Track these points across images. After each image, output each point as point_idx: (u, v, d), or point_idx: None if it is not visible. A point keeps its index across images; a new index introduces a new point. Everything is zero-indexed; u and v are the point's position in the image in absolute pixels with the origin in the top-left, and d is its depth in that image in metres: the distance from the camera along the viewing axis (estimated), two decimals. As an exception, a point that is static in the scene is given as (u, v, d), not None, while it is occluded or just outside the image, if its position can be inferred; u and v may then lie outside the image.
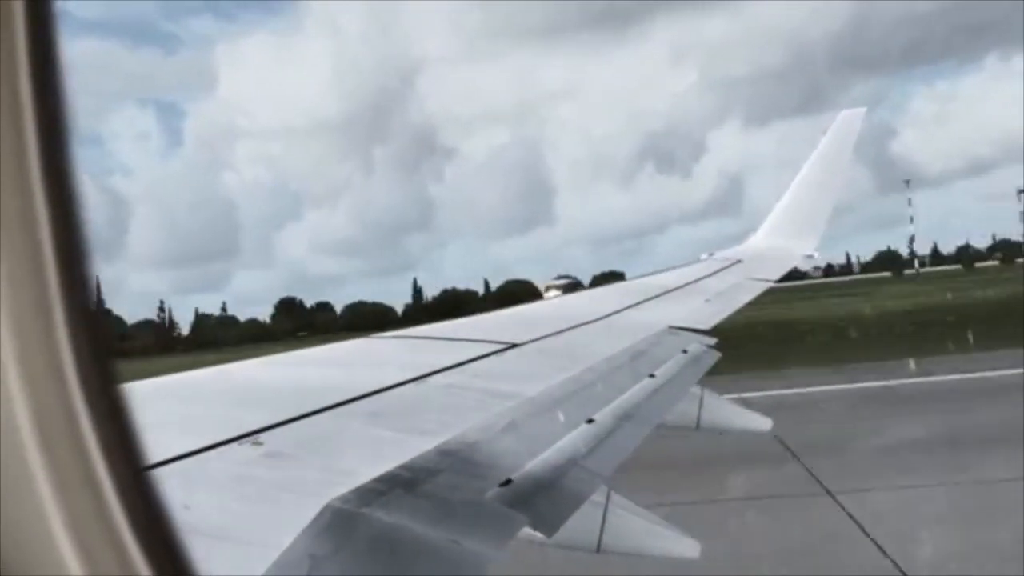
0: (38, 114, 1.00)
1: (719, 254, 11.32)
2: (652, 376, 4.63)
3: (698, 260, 10.93)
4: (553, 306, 7.13)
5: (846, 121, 12.87)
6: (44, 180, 1.00)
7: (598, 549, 3.86)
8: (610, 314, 6.40)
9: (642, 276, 9.78)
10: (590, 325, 5.87)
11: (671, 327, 6.21)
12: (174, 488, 2.27)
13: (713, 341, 6.13)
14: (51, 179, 1.01)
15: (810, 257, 11.64)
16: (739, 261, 10.49)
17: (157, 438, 2.61)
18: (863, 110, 13.34)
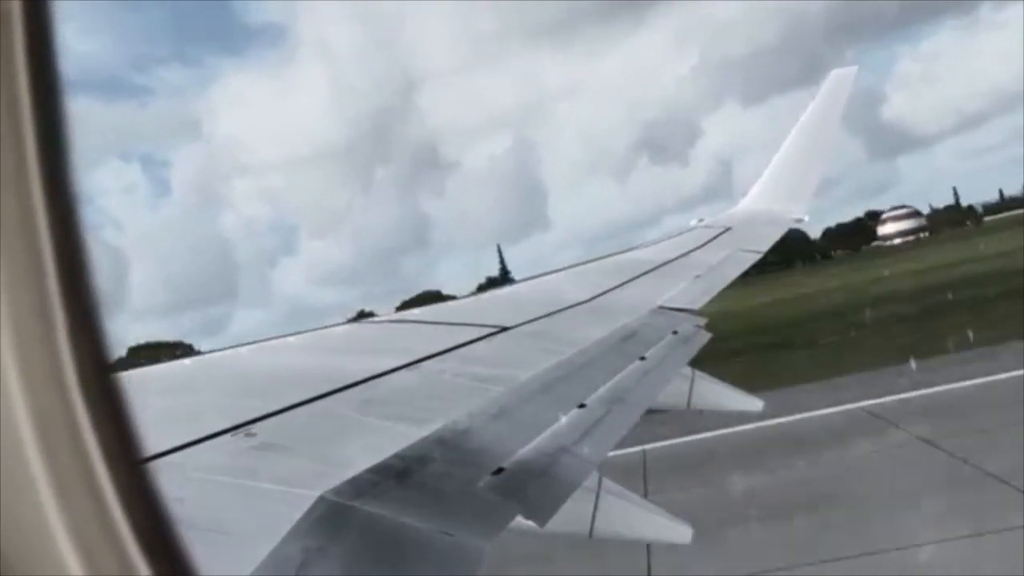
0: (37, 118, 0.99)
1: (708, 220, 11.16)
2: (643, 358, 4.64)
3: (688, 228, 10.84)
4: (542, 287, 7.11)
5: (837, 81, 12.42)
6: (43, 183, 1.00)
7: (591, 535, 3.89)
8: (600, 294, 6.40)
9: (632, 249, 9.69)
10: (580, 306, 5.87)
11: (661, 307, 6.22)
12: (167, 481, 2.27)
13: (704, 320, 6.14)
14: (50, 182, 1.01)
15: (799, 221, 11.30)
16: (728, 229, 10.30)
17: (148, 430, 2.61)
18: (854, 69, 12.93)
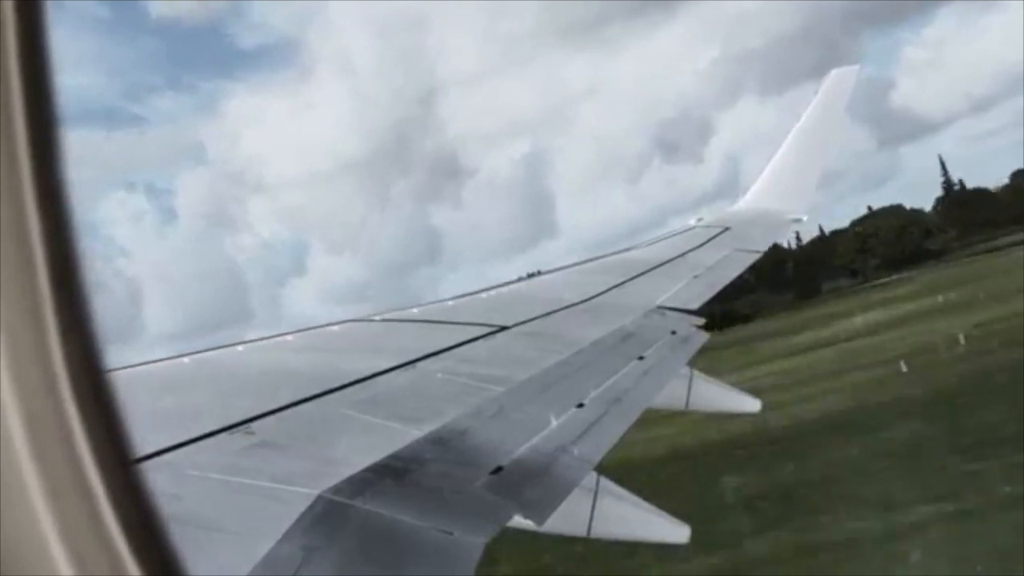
0: (29, 124, 1.00)
1: (707, 220, 11.03)
2: (641, 358, 4.65)
3: (687, 227, 10.78)
4: (541, 287, 7.11)
5: (837, 80, 12.26)
6: (36, 190, 1.00)
7: (588, 535, 3.89)
8: (598, 294, 6.40)
9: (632, 248, 9.65)
10: (579, 306, 5.87)
11: (660, 307, 6.22)
12: (167, 479, 2.28)
13: (701, 321, 6.14)
14: (43, 189, 1.01)
15: (798, 220, 11.21)
16: (727, 229, 10.22)
17: (150, 428, 2.62)
18: (856, 68, 12.74)
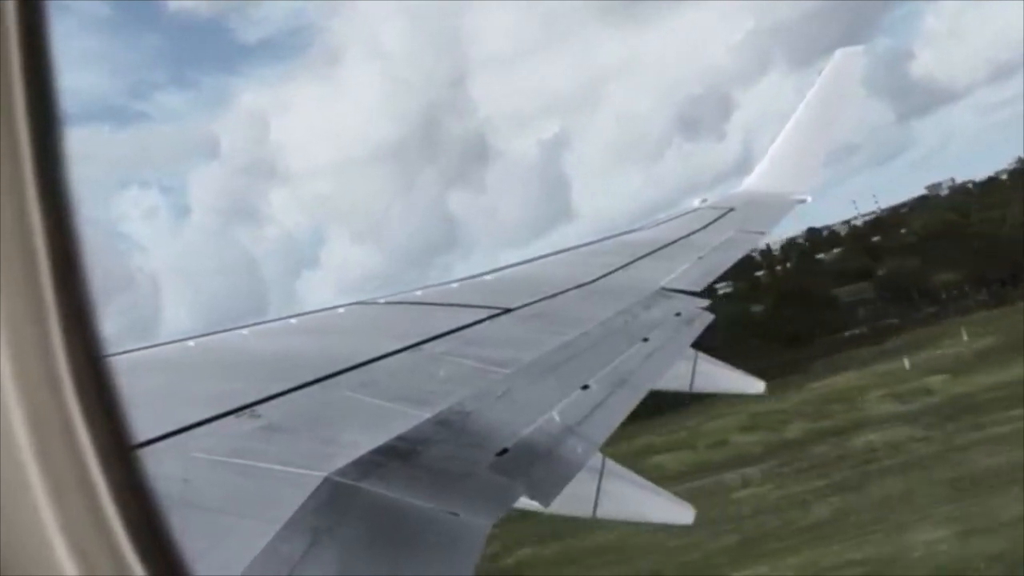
0: (31, 121, 1.00)
1: (712, 200, 11.04)
2: (646, 340, 4.65)
3: (692, 208, 10.67)
4: (545, 268, 7.09)
5: (842, 60, 12.26)
6: (37, 187, 1.00)
7: (594, 516, 3.91)
8: (603, 276, 6.40)
9: (636, 230, 9.63)
10: (583, 288, 5.87)
11: (664, 289, 6.21)
12: (174, 462, 2.29)
13: (706, 303, 6.13)
14: (44, 186, 1.01)
15: (802, 201, 11.18)
16: (732, 209, 10.20)
17: (156, 411, 2.63)
18: (860, 48, 12.76)
